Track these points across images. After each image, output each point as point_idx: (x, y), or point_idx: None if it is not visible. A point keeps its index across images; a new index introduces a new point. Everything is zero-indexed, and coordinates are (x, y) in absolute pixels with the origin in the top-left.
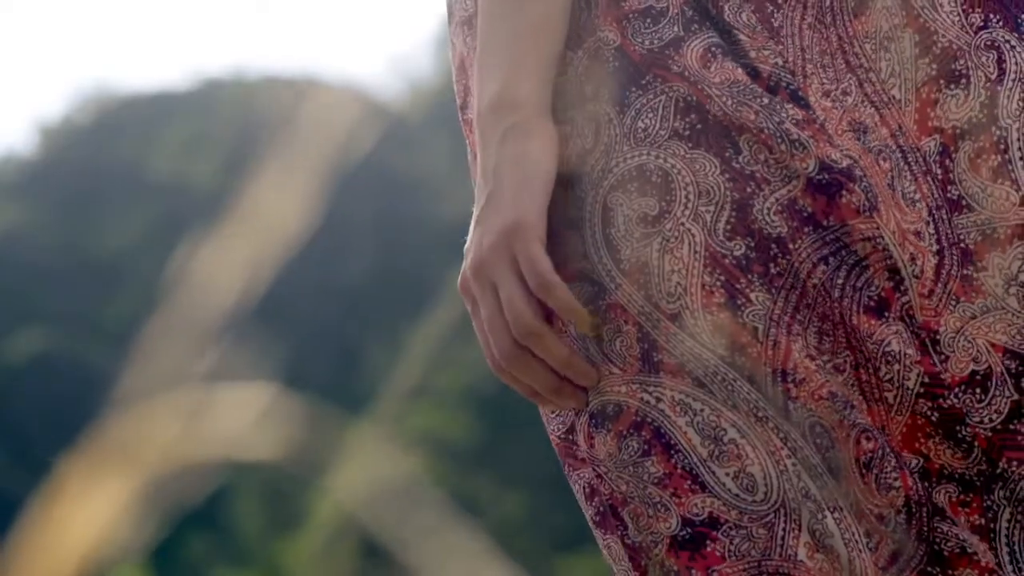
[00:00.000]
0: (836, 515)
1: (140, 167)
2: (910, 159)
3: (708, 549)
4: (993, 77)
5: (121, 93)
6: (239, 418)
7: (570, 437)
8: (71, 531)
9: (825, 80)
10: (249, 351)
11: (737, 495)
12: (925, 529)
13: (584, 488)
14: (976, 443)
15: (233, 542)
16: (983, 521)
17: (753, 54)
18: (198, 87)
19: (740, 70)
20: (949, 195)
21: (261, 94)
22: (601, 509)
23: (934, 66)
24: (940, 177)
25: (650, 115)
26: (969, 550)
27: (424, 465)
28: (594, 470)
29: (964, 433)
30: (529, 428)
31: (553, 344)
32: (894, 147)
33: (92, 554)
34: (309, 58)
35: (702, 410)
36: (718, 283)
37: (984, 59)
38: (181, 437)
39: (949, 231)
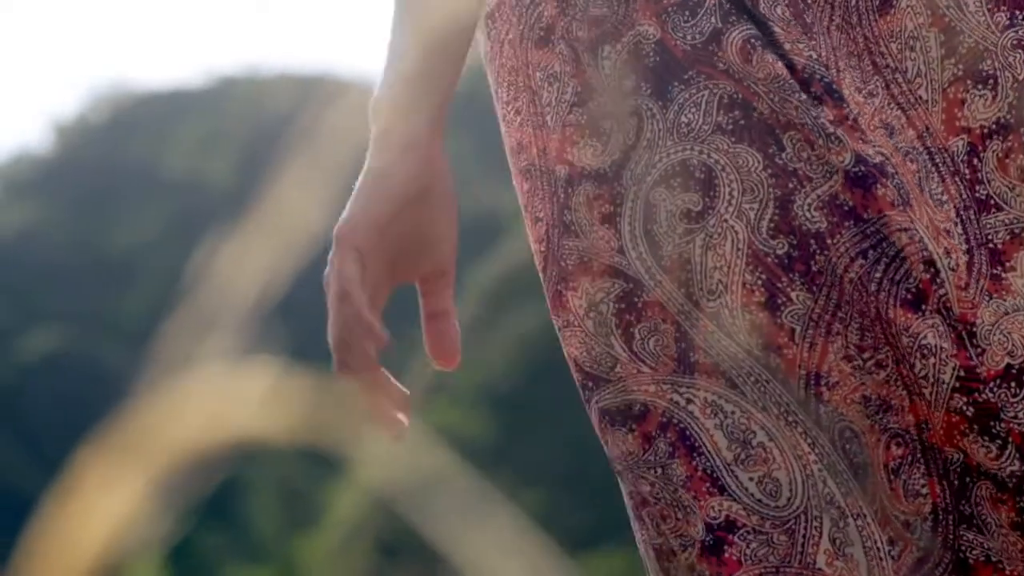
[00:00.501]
0: (859, 522)
1: (154, 165)
2: (937, 160)
3: (726, 555)
4: (1021, 78)
5: (135, 91)
6: (255, 411)
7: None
8: (85, 528)
9: (856, 79)
10: (265, 347)
11: (759, 500)
12: (951, 537)
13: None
14: (1010, 439)
15: (249, 538)
16: (1021, 519)
17: (788, 46)
18: (212, 85)
19: (780, 63)
20: (977, 195)
21: (275, 91)
22: (634, 504)
23: (960, 66)
24: (968, 177)
25: (693, 110)
26: (994, 559)
27: (442, 462)
28: (623, 465)
29: (998, 429)
30: (546, 427)
31: (355, 358)
32: (921, 149)
33: (107, 551)
34: (323, 55)
35: (733, 412)
36: (759, 282)
37: (1012, 59)
38: (195, 432)
39: (977, 231)
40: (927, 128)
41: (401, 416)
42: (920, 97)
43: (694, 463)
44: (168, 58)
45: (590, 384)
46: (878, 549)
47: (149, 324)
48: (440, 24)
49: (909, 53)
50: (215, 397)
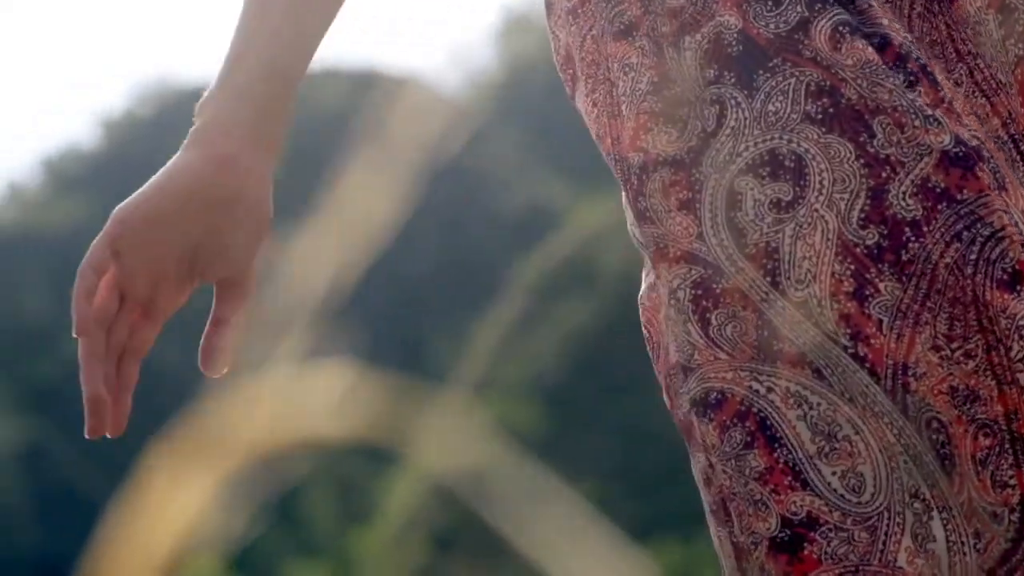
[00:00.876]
0: (944, 515)
1: None
2: (1021, 147)
3: (805, 552)
4: None
5: (182, 87)
6: (317, 407)
7: (690, 418)
8: (154, 527)
9: (942, 68)
10: (322, 342)
11: (842, 496)
12: None
13: (700, 475)
14: None
15: (305, 533)
16: None
17: (885, 22)
18: None
19: (870, 48)
20: None
21: (323, 88)
22: (714, 499)
23: (1020, 45)
24: None
25: (780, 98)
26: None
27: (494, 456)
28: (707, 459)
29: None
30: (596, 420)
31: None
32: (1005, 137)
33: (175, 549)
34: (369, 51)
35: (819, 404)
36: (848, 272)
37: None
38: (262, 427)
39: None
40: (1010, 113)
41: (108, 414)
42: (1000, 82)
43: (775, 455)
44: (214, 53)
45: (680, 375)
46: (962, 543)
47: (205, 319)
48: (280, 59)
49: (980, 38)
50: (283, 399)
